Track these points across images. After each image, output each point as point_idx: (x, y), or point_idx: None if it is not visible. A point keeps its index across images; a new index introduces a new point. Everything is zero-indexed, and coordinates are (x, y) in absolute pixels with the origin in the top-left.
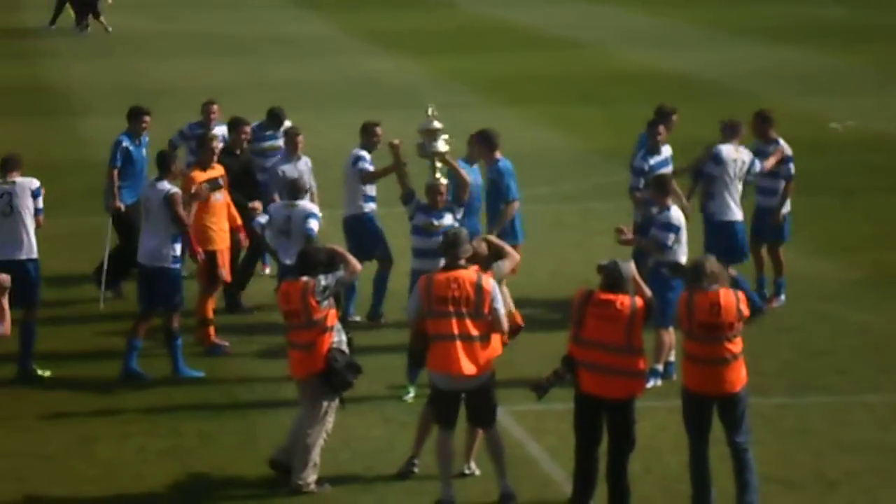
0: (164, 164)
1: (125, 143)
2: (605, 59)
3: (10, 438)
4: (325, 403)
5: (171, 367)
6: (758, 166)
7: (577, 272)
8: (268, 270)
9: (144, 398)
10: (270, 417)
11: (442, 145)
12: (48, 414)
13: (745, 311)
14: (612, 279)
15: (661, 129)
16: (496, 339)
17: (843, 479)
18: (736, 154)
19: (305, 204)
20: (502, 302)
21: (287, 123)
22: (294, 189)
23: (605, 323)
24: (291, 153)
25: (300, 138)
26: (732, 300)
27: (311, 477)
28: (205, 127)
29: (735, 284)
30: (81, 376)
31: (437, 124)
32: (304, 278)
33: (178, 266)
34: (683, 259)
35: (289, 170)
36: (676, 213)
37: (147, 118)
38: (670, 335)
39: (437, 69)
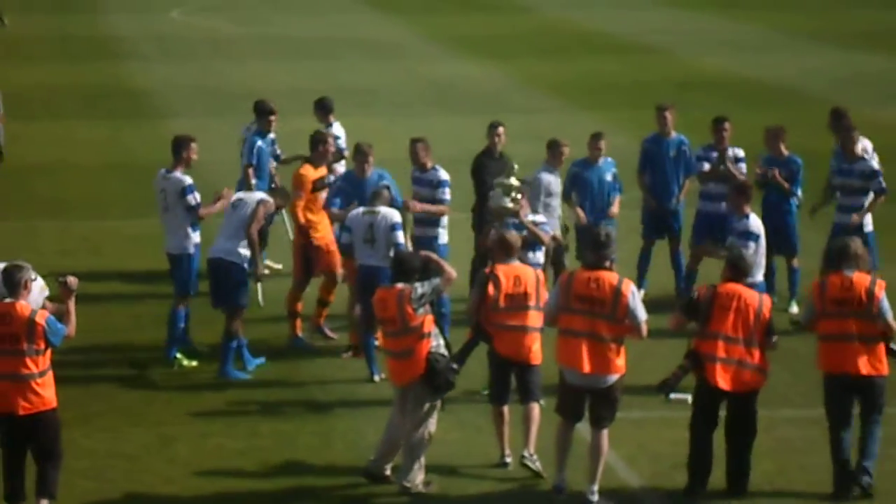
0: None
1: (259, 143)
2: (681, 65)
3: (92, 438)
4: (427, 405)
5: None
6: None
7: (662, 278)
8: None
9: (223, 398)
10: (347, 419)
11: (507, 201)
12: (128, 414)
13: (878, 294)
14: (738, 267)
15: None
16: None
17: None
18: None
19: (386, 211)
20: (642, 308)
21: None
22: (374, 197)
23: (733, 314)
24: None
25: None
26: (866, 280)
27: (418, 478)
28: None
29: None
30: (160, 375)
31: (513, 181)
32: (400, 285)
33: (246, 266)
34: (762, 269)
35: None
36: (755, 221)
37: (273, 117)
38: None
39: (514, 74)
